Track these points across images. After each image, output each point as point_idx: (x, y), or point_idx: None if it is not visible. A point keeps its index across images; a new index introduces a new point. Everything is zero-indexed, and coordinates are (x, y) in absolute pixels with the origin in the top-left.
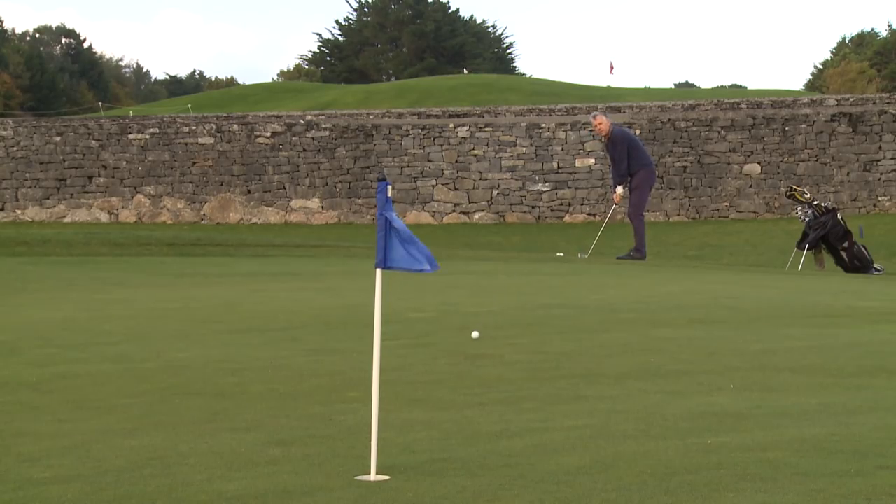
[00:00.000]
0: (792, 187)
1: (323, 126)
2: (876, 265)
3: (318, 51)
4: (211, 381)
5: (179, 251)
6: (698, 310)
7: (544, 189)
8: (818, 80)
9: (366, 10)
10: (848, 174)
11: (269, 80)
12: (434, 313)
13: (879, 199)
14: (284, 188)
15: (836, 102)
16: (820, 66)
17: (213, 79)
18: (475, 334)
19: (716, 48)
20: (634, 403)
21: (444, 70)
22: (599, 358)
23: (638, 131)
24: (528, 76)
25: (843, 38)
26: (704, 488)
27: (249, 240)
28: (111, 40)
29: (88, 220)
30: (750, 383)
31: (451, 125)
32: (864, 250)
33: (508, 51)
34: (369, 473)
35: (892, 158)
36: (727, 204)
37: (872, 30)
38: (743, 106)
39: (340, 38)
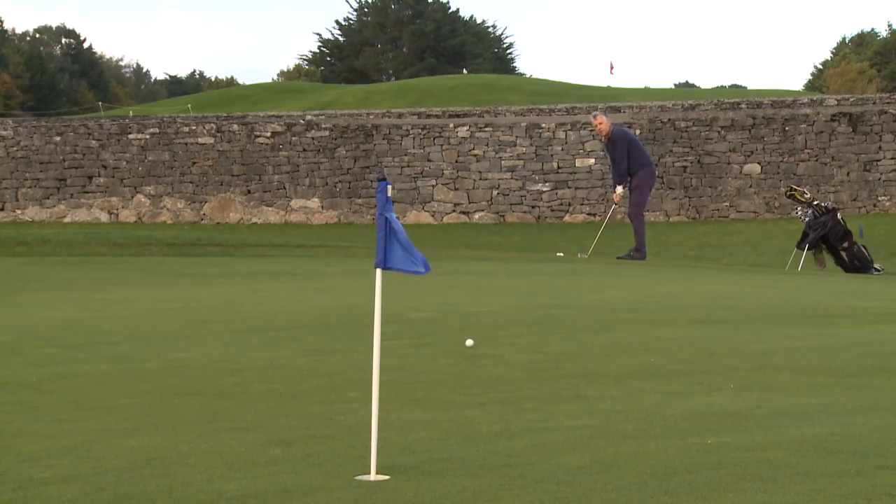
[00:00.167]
0: (792, 187)
1: (323, 126)
2: (876, 265)
3: (318, 51)
4: (211, 381)
5: (179, 251)
6: (698, 310)
7: (544, 189)
8: (818, 80)
9: (366, 10)
10: (848, 174)
11: (269, 80)
12: (434, 313)
13: (879, 199)
14: (284, 188)
15: (836, 102)
16: (820, 66)
17: (213, 79)
18: (469, 342)
19: (716, 48)
20: (634, 403)
21: (444, 70)
22: (599, 358)
23: (638, 131)
24: (528, 76)
25: (843, 38)
26: (704, 488)
27: (249, 240)
28: (111, 40)
29: (88, 220)
30: (750, 383)
31: (451, 125)
32: (864, 250)
33: (508, 51)
34: (369, 473)
35: (892, 158)
36: (727, 204)
37: (872, 30)
38: (743, 106)
39: (340, 38)
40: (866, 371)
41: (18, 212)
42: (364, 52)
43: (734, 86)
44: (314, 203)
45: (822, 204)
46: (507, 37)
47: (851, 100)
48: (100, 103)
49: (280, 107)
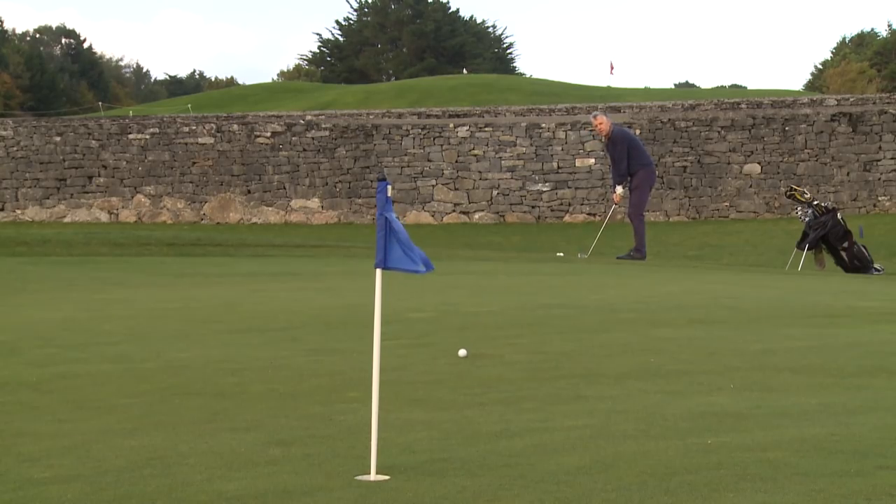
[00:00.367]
0: (792, 187)
1: (323, 126)
2: (876, 265)
3: (318, 51)
4: (211, 381)
5: (179, 251)
6: (698, 310)
7: (544, 189)
8: (818, 80)
9: (366, 10)
10: (848, 174)
11: (269, 80)
12: (434, 313)
13: (879, 199)
14: (284, 188)
15: (836, 102)
16: (820, 66)
17: (213, 79)
18: (462, 352)
19: (716, 48)
20: (634, 403)
21: (444, 70)
22: (599, 358)
23: (638, 131)
24: (528, 76)
25: (843, 38)
26: (704, 488)
27: (249, 240)
28: (111, 40)
29: (88, 220)
30: (750, 383)
31: (451, 125)
32: (864, 250)
33: (508, 51)
34: (369, 473)
35: (892, 158)
36: (727, 204)
37: (872, 30)
38: (743, 106)
39: (340, 38)
40: (866, 371)
41: (18, 212)
42: (364, 52)
43: (734, 86)
44: (314, 203)
45: (822, 204)
46: (507, 37)
47: (851, 100)
48: (100, 103)
49: (280, 107)
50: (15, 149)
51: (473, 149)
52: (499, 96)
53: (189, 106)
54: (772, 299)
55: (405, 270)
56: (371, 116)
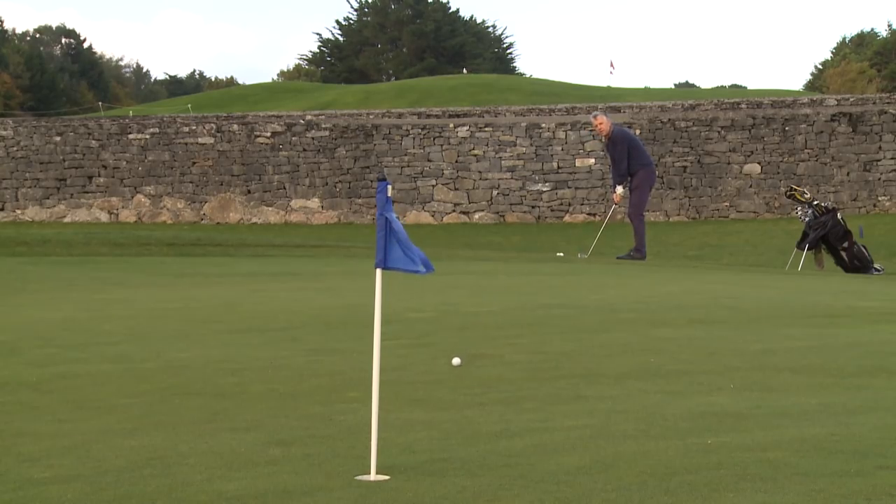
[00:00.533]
0: (792, 187)
1: (323, 126)
2: (876, 265)
3: (318, 51)
4: (211, 381)
5: (179, 251)
6: (698, 310)
7: (544, 189)
8: (818, 80)
9: (366, 10)
10: (848, 174)
11: (269, 80)
12: (434, 313)
13: (879, 199)
14: (284, 188)
15: (836, 102)
16: (820, 66)
17: (213, 79)
18: (456, 361)
19: (716, 48)
20: (634, 403)
21: (444, 70)
22: (599, 358)
23: (638, 131)
24: (528, 76)
25: (843, 38)
26: (704, 488)
27: (249, 240)
28: (111, 40)
29: (88, 220)
30: (750, 383)
31: (451, 125)
32: (864, 250)
33: (508, 51)
34: (369, 473)
35: (892, 158)
36: (727, 204)
37: (872, 30)
38: (743, 106)
39: (340, 38)
40: (866, 371)
41: (18, 212)
42: (364, 52)
43: (734, 86)
44: (314, 203)
45: (822, 204)
46: (507, 37)
47: (851, 100)
48: (100, 103)
49: (280, 107)
50: (15, 149)
51: (473, 149)
52: (499, 96)
53: (189, 106)
54: (772, 299)
55: (405, 271)
56: (371, 116)
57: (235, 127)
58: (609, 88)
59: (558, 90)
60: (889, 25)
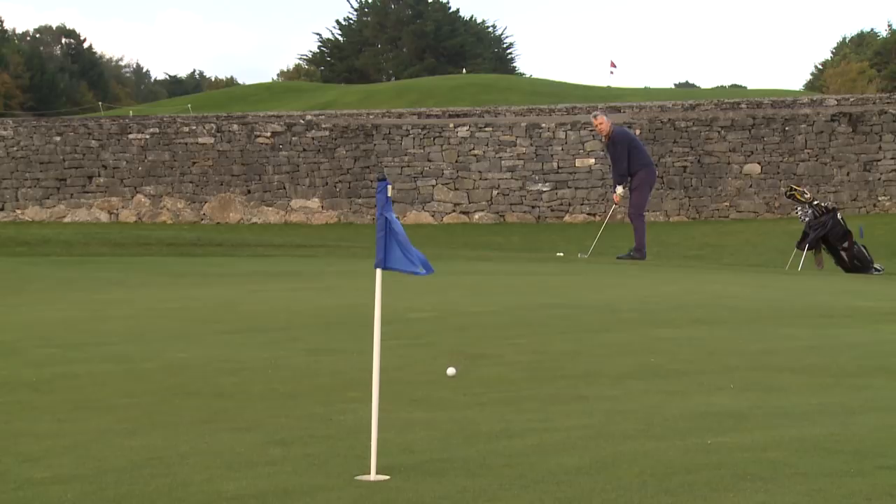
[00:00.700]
0: (792, 187)
1: (323, 126)
2: (876, 265)
3: (318, 51)
4: (211, 381)
5: (179, 251)
6: (698, 310)
7: (544, 189)
8: (818, 80)
9: (366, 10)
10: (848, 174)
11: (269, 80)
12: (434, 313)
13: (879, 199)
14: (284, 188)
15: (836, 102)
16: (820, 66)
17: (213, 79)
18: (451, 371)
19: (716, 48)
20: (634, 403)
21: (444, 70)
22: (599, 358)
23: (638, 131)
24: (528, 76)
25: (843, 39)
26: (704, 488)
27: (249, 240)
28: (112, 40)
29: (88, 220)
30: (750, 383)
31: (451, 125)
32: (864, 250)
33: (508, 51)
34: (369, 473)
35: (892, 158)
36: (727, 204)
37: (872, 30)
38: (743, 106)
39: (340, 38)
40: (866, 371)
41: (18, 212)
42: (364, 52)
43: (734, 86)
44: (314, 203)
45: (822, 204)
46: (507, 37)
47: (851, 100)
48: (100, 103)
49: (280, 107)
50: (15, 149)
51: (473, 149)
52: (499, 96)
53: (189, 106)
54: (772, 299)
55: (405, 271)
56: (371, 116)
57: (235, 127)
58: (609, 88)
59: (558, 90)
60: (889, 25)
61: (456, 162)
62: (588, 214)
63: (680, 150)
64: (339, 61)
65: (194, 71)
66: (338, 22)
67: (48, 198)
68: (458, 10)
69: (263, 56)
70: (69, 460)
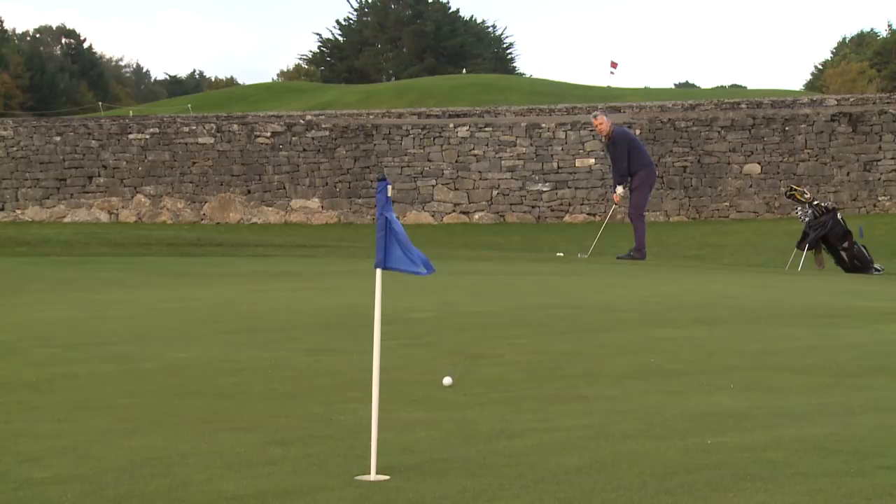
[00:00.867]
0: (792, 187)
1: (323, 126)
2: (876, 265)
3: (318, 51)
4: (211, 381)
5: (179, 251)
6: (698, 310)
7: (544, 189)
8: (818, 80)
9: (366, 10)
10: (848, 174)
11: (269, 80)
12: (434, 313)
13: (879, 199)
14: (284, 188)
15: (836, 102)
16: (820, 66)
17: (213, 79)
18: (447, 380)
19: (716, 48)
20: (634, 403)
21: (444, 70)
22: (599, 358)
23: (638, 131)
24: (528, 76)
25: (843, 39)
26: (704, 488)
27: (249, 240)
28: (112, 40)
29: (88, 220)
30: (750, 383)
31: (451, 125)
32: (864, 250)
33: (508, 51)
34: (369, 473)
35: (892, 158)
36: (727, 204)
37: (872, 30)
38: (743, 106)
39: (340, 38)
40: (866, 371)
41: (18, 212)
42: (364, 52)
43: (734, 86)
44: (314, 203)
45: (822, 204)
46: (507, 37)
47: (851, 100)
48: (100, 103)
49: (280, 107)
50: (15, 149)
51: (473, 149)
52: (499, 96)
53: (189, 106)
54: (772, 299)
55: (405, 271)
56: (371, 116)
57: (235, 127)
58: (609, 88)
59: (558, 90)
60: (889, 25)
61: (456, 162)
62: (588, 214)
63: (680, 150)
64: (339, 61)
65: (194, 71)
66: (338, 22)
67: (48, 198)
68: (458, 10)
69: (263, 56)
70: (69, 460)
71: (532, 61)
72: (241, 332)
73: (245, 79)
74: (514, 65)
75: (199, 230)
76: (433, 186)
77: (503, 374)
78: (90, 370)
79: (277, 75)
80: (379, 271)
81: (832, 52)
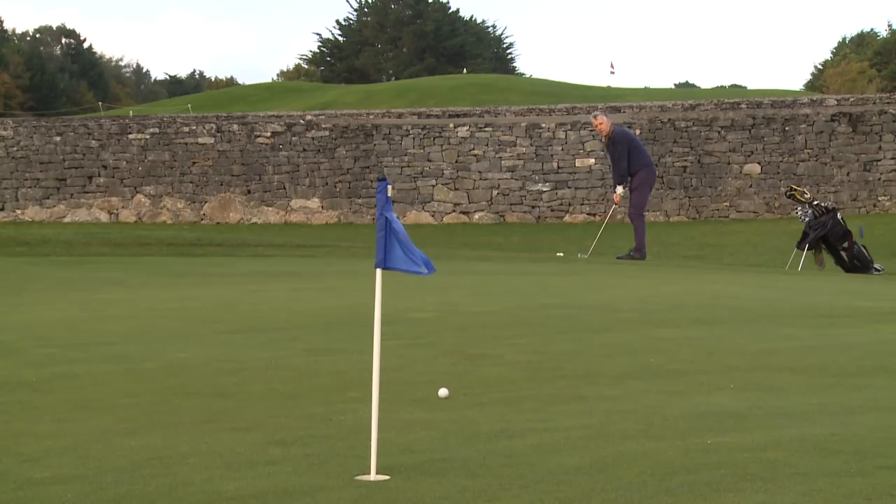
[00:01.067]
0: (792, 187)
1: (323, 126)
2: (876, 265)
3: (318, 51)
4: (211, 381)
5: (179, 251)
6: (698, 310)
7: (544, 189)
8: (818, 80)
9: (366, 10)
10: (848, 174)
11: (269, 80)
12: (434, 313)
13: (879, 199)
14: (284, 188)
15: (836, 102)
16: (820, 66)
17: (213, 79)
18: (443, 392)
19: (716, 48)
20: (634, 403)
21: (444, 70)
22: (599, 358)
23: (638, 131)
24: (528, 76)
25: (843, 39)
26: (704, 488)
27: (249, 240)
28: (112, 40)
29: (88, 220)
30: (750, 383)
31: (451, 125)
32: (864, 250)
33: (508, 51)
34: (369, 473)
35: (892, 158)
36: (727, 204)
37: (872, 30)
38: (743, 106)
39: (340, 38)
40: (866, 371)
41: (18, 212)
42: (364, 52)
43: (734, 86)
44: (314, 203)
45: (822, 204)
46: (507, 37)
47: (851, 100)
48: (100, 103)
49: (280, 107)
50: (15, 149)
51: (473, 149)
52: (499, 96)
53: (189, 106)
54: (772, 299)
55: (406, 271)
56: (371, 116)
57: (235, 127)
58: (609, 88)
59: (558, 90)
60: (889, 25)
61: (456, 162)
62: (588, 214)
63: (680, 150)
64: (339, 61)
65: (194, 71)
66: (338, 22)
67: (48, 198)
68: (458, 10)
69: (263, 56)
70: (69, 460)
71: (532, 61)
72: (241, 332)
73: (245, 79)
74: (514, 65)
75: (199, 230)
76: (433, 186)
77: (503, 374)
78: (90, 370)
79: (277, 75)
80: (379, 271)
81: (832, 53)
